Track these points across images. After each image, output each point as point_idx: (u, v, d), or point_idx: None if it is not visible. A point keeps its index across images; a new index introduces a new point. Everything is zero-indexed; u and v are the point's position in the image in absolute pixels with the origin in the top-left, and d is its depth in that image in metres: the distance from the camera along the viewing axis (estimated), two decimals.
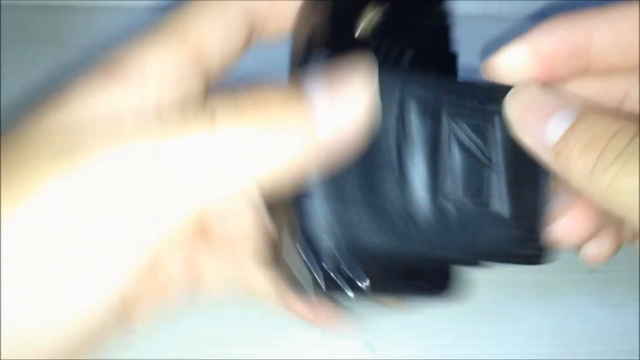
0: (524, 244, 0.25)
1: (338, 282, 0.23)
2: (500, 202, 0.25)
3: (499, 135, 0.25)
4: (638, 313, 0.34)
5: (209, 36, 0.24)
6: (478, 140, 0.25)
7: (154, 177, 0.20)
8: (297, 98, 0.22)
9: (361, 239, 0.23)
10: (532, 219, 0.26)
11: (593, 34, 0.25)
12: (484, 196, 0.25)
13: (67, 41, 0.45)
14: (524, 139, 0.25)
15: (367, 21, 0.25)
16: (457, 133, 0.25)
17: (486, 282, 0.34)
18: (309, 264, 0.23)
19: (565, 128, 0.24)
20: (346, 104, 0.22)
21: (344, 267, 0.23)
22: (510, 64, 0.25)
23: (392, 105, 0.24)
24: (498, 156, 0.25)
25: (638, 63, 0.26)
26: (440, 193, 0.24)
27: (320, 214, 0.23)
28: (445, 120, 0.25)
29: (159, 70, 0.23)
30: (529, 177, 0.26)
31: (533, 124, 0.24)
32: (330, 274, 0.23)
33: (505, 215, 0.25)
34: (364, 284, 0.23)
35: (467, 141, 0.25)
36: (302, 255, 0.23)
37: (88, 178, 0.20)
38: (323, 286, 0.23)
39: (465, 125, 0.25)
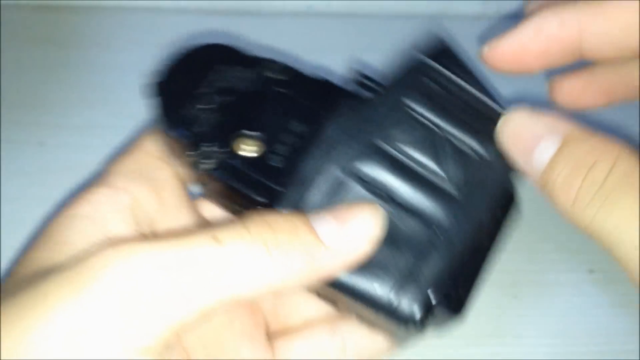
0: None
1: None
2: (477, 142, 0.25)
3: (419, 106, 0.25)
4: (638, 313, 0.34)
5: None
6: (417, 129, 0.25)
7: (160, 283, 0.20)
8: (304, 223, 0.22)
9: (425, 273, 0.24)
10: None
11: (583, 31, 0.25)
12: (474, 149, 0.25)
13: (67, 41, 0.45)
14: (518, 167, 0.24)
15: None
16: (400, 142, 0.25)
17: (486, 282, 0.34)
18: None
19: (549, 156, 0.23)
20: (353, 228, 0.23)
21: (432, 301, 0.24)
22: (503, 55, 0.25)
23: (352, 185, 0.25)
24: (437, 117, 0.25)
25: (633, 55, 0.25)
26: (451, 188, 0.25)
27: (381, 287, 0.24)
28: (386, 146, 0.25)
29: (129, 171, 0.26)
30: (469, 103, 0.26)
31: (522, 152, 0.24)
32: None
33: (488, 149, 0.25)
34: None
35: (413, 138, 0.25)
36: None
37: (98, 296, 0.20)
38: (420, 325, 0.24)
39: (397, 130, 0.25)
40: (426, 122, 0.25)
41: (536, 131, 0.24)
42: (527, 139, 0.24)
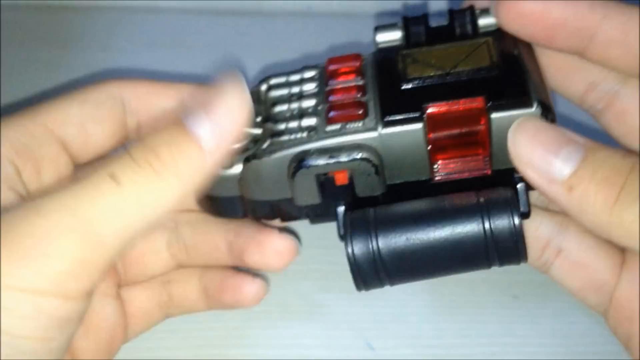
0: None
1: None
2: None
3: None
4: None
5: (65, 120, 0.28)
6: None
7: (72, 230, 0.22)
8: (180, 132, 0.23)
9: None
10: None
11: (604, 23, 0.25)
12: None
13: (67, 41, 0.45)
14: (526, 171, 0.24)
15: None
16: None
17: (486, 282, 0.34)
18: None
19: (576, 162, 0.23)
20: (223, 118, 0.24)
21: None
22: (521, 11, 0.26)
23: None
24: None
25: (635, 66, 0.26)
26: None
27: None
28: None
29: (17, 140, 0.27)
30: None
31: (540, 157, 0.24)
32: None
33: None
34: None
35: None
36: None
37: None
38: None
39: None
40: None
41: (557, 137, 0.24)
42: (548, 144, 0.24)
